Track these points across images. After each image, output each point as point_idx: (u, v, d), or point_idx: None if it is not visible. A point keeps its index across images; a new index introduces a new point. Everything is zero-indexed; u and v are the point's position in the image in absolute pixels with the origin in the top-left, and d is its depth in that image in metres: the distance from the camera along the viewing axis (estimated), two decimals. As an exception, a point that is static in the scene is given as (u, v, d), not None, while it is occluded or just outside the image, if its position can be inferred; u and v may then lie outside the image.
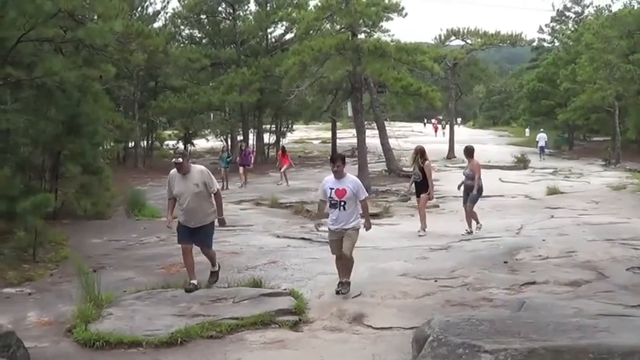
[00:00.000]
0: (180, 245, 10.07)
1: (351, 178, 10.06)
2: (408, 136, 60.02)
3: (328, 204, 9.87)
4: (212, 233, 10.17)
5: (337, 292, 9.79)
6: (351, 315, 8.92)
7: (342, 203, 9.71)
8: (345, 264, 9.92)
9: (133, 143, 40.54)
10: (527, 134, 63.06)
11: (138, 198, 20.21)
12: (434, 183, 16.78)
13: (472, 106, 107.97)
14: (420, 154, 15.89)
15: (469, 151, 15.87)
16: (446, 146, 45.74)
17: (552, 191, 23.80)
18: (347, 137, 51.30)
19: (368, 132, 32.03)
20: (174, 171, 9.82)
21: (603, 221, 16.74)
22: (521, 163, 38.17)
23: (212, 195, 9.92)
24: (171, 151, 28.51)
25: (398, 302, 9.59)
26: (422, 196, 15.93)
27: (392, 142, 35.20)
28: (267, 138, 47.53)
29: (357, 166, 28.42)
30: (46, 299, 10.17)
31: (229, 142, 44.50)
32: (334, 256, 10.14)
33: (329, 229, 10.12)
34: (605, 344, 5.63)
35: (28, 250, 12.96)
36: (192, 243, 9.99)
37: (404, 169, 31.47)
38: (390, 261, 12.32)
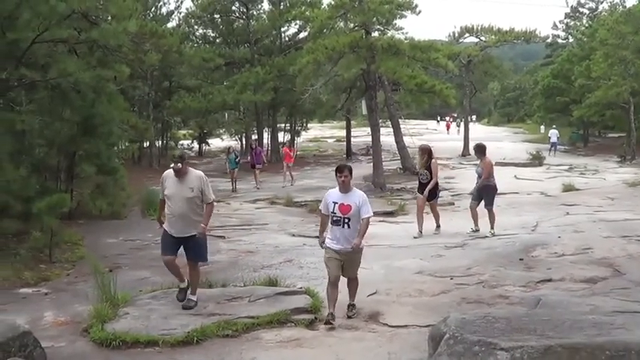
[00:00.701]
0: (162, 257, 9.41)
1: (358, 192, 8.89)
2: (423, 133, 59.93)
3: (330, 220, 8.83)
4: (205, 244, 9.30)
5: (349, 317, 8.80)
6: (367, 313, 8.91)
7: (347, 220, 8.63)
8: (351, 286, 9.09)
9: (147, 143, 40.69)
10: (542, 131, 62.78)
11: (153, 198, 20.08)
12: (444, 182, 16.56)
13: (487, 104, 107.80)
14: (425, 153, 15.57)
15: (481, 149, 15.32)
16: (460, 144, 45.58)
17: (568, 188, 23.67)
18: (361, 135, 51.30)
19: (382, 130, 31.91)
20: (170, 171, 9.19)
21: (619, 218, 16.62)
22: (537, 160, 37.96)
23: (205, 204, 9.10)
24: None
25: (413, 300, 9.58)
26: (432, 202, 15.75)
27: (407, 139, 35.10)
28: (282, 137, 47.50)
29: (372, 164, 28.36)
30: (63, 299, 10.20)
31: (244, 141, 44.62)
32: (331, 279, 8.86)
33: (328, 247, 8.81)
34: (621, 341, 5.61)
35: (44, 251, 13.01)
36: (175, 255, 9.29)
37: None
38: (405, 259, 12.32)
